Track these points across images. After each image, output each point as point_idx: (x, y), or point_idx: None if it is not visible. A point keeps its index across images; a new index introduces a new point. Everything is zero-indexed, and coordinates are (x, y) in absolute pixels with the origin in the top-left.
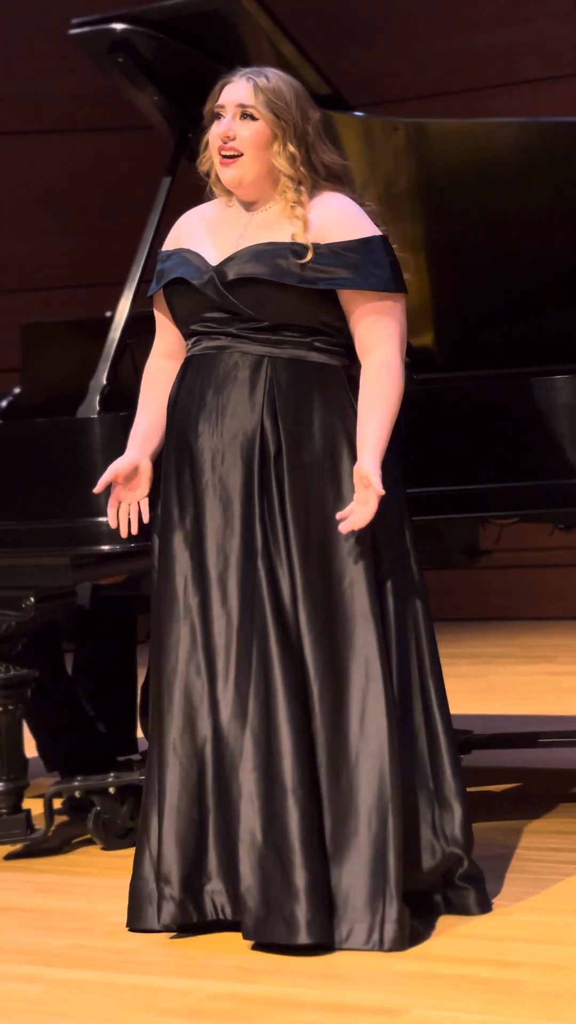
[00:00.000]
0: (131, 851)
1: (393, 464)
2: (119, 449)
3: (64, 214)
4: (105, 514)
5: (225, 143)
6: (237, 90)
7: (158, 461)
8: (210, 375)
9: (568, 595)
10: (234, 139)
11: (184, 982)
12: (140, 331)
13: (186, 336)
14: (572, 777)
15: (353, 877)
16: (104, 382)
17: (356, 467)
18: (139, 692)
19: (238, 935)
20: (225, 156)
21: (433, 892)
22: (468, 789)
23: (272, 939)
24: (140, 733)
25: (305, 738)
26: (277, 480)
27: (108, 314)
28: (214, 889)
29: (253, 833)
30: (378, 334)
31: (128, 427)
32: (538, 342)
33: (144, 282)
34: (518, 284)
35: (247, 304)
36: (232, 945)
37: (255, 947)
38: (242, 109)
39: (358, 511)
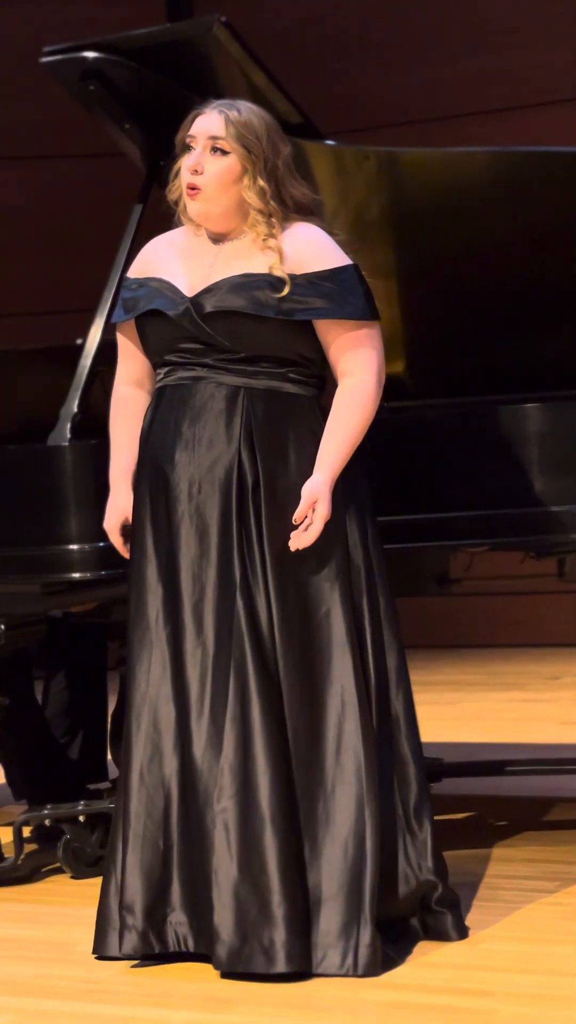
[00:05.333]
0: (101, 880)
1: (362, 488)
2: (90, 477)
3: (34, 241)
4: (76, 542)
5: (193, 175)
6: (209, 122)
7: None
8: (185, 406)
9: (538, 623)
10: (201, 173)
11: (154, 1012)
12: (111, 358)
13: (156, 365)
14: (541, 805)
15: (329, 903)
16: (75, 410)
17: (306, 485)
18: (109, 720)
19: (209, 964)
20: (191, 188)
21: (410, 917)
22: (438, 817)
23: (249, 969)
24: (110, 761)
25: (283, 768)
26: (255, 511)
27: (79, 341)
28: (177, 920)
29: (228, 863)
30: (356, 362)
31: (99, 455)
32: (510, 369)
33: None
34: (489, 312)
35: (224, 336)
36: (203, 974)
37: (225, 975)
38: (213, 142)
39: (300, 536)
